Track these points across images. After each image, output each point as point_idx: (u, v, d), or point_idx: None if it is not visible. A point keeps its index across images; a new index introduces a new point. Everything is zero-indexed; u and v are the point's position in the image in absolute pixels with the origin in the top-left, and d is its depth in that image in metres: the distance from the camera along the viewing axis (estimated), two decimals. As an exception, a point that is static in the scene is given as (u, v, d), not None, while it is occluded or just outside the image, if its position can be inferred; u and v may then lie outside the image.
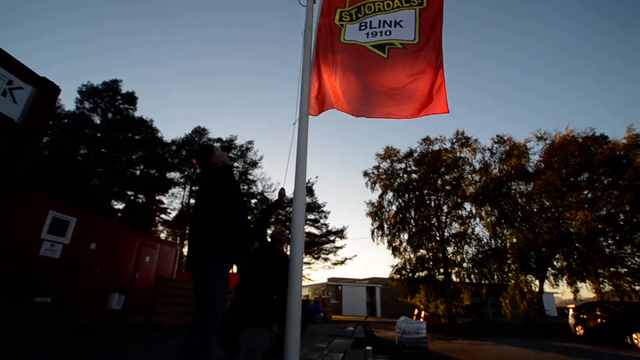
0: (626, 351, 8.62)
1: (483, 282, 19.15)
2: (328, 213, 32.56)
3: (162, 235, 28.48)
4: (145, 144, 26.12)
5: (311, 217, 31.66)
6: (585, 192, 17.64)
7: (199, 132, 30.32)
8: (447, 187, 20.67)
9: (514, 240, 19.46)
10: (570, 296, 18.42)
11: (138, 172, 26.34)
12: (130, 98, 25.80)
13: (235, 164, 29.86)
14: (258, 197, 30.39)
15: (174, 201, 29.17)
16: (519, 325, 16.65)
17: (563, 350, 8.63)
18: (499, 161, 20.25)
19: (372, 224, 21.69)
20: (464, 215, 20.57)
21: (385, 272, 56.66)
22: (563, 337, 12.41)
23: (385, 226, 21.26)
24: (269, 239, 3.71)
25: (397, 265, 20.73)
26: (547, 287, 18.89)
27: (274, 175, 40.50)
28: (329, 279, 36.88)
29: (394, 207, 21.42)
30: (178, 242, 25.64)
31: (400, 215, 20.85)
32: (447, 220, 20.59)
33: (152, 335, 6.12)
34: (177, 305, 8.50)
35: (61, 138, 22.26)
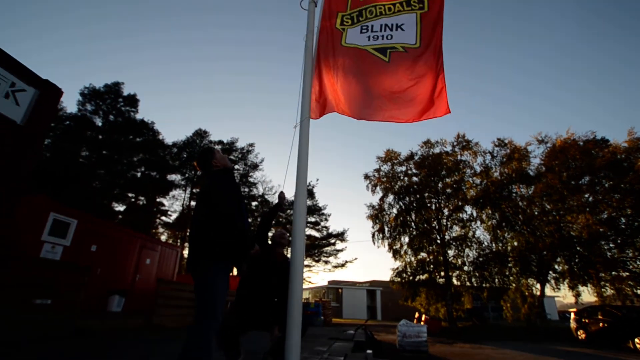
0: (628, 356, 8.57)
1: (484, 285, 19.10)
2: (329, 216, 32.65)
3: (163, 238, 28.50)
4: (146, 146, 26.20)
5: (312, 219, 31.67)
6: (586, 196, 17.62)
7: (200, 134, 30.43)
8: (448, 190, 20.66)
9: (515, 243, 19.40)
10: (572, 300, 18.37)
11: (139, 174, 26.42)
12: (132, 100, 25.94)
13: (236, 167, 29.90)
14: (259, 199, 30.42)
15: (174, 203, 29.29)
16: (520, 329, 16.58)
17: (564, 354, 8.59)
18: (500, 164, 20.27)
19: (373, 227, 21.73)
20: (464, 219, 20.57)
21: (385, 275, 56.39)
22: (564, 341, 12.33)
23: (386, 229, 21.26)
24: (270, 242, 3.70)
25: (397, 268, 20.69)
26: (548, 291, 18.81)
27: (274, 177, 40.59)
28: (330, 282, 36.77)
29: (394, 210, 21.45)
30: (178, 244, 25.63)
31: (401, 218, 20.82)
32: (448, 223, 20.56)
33: (153, 338, 6.12)
34: (177, 307, 8.50)
35: (63, 140, 22.33)
